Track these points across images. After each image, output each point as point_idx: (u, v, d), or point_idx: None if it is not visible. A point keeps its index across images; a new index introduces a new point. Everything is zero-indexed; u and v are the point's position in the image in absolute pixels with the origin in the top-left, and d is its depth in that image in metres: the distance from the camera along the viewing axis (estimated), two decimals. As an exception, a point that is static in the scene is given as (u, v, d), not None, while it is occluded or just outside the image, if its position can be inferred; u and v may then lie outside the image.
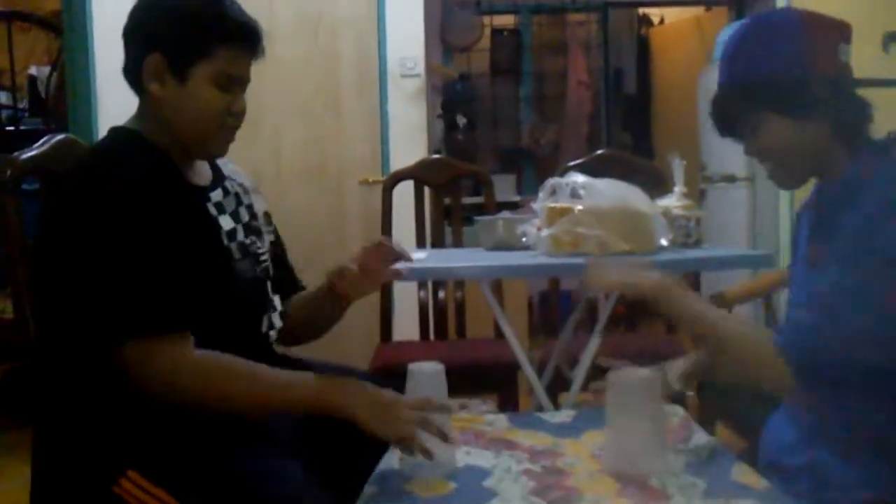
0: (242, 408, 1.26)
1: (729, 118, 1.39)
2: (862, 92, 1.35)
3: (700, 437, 1.49)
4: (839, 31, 1.32)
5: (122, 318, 1.21)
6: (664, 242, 1.90)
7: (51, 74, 4.23)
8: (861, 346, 1.21)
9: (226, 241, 1.40)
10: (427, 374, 1.33)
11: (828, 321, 1.25)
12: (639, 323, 3.89)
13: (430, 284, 2.89)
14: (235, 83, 1.37)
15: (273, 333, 1.48)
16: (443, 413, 1.28)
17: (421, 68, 3.90)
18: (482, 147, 5.85)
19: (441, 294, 2.87)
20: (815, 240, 1.40)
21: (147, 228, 1.24)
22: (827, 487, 1.24)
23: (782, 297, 1.99)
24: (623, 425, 1.34)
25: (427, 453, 1.22)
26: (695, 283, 2.97)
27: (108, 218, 1.23)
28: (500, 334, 2.20)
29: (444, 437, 1.24)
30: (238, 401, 1.25)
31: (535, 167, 5.82)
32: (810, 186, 1.43)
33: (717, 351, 1.41)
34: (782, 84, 1.30)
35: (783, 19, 1.36)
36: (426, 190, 2.94)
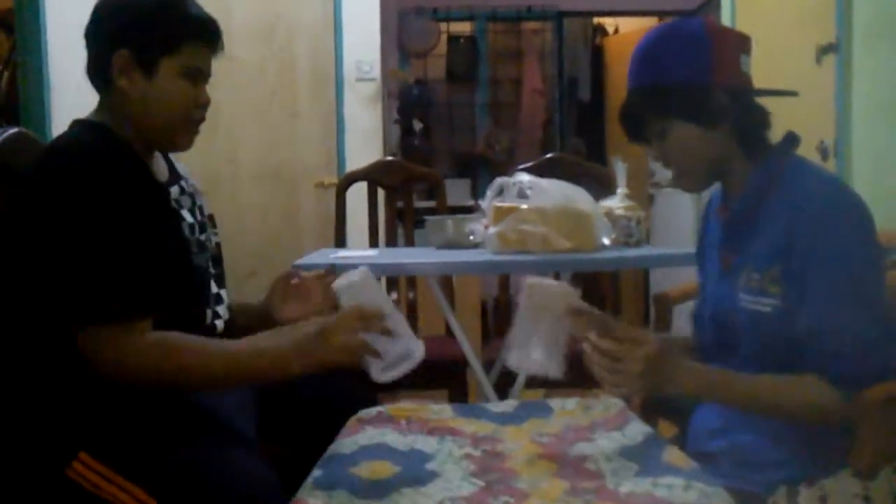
0: (198, 382, 1.31)
1: (636, 122, 1.42)
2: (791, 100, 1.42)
3: (635, 426, 1.56)
4: (741, 43, 1.38)
5: (83, 303, 1.25)
6: (606, 241, 1.97)
7: (1, 73, 4.19)
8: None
9: (187, 234, 1.46)
10: (354, 284, 1.35)
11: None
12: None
13: (382, 283, 2.93)
14: (200, 76, 1.44)
15: (219, 323, 1.52)
16: (378, 316, 1.31)
17: (377, 72, 3.95)
18: (438, 152, 5.91)
19: (394, 294, 2.92)
20: (727, 244, 1.44)
21: (114, 216, 1.28)
22: (747, 468, 1.31)
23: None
24: (531, 326, 1.38)
25: (376, 353, 1.31)
26: (644, 283, 3.07)
27: (75, 204, 1.26)
28: (451, 333, 2.25)
29: (387, 332, 1.31)
30: (193, 376, 1.30)
31: (489, 172, 5.88)
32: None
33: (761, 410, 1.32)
34: (687, 91, 1.34)
35: (689, 29, 1.38)
36: (380, 192, 2.98)
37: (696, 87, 1.34)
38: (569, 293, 1.37)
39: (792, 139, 1.40)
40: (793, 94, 1.45)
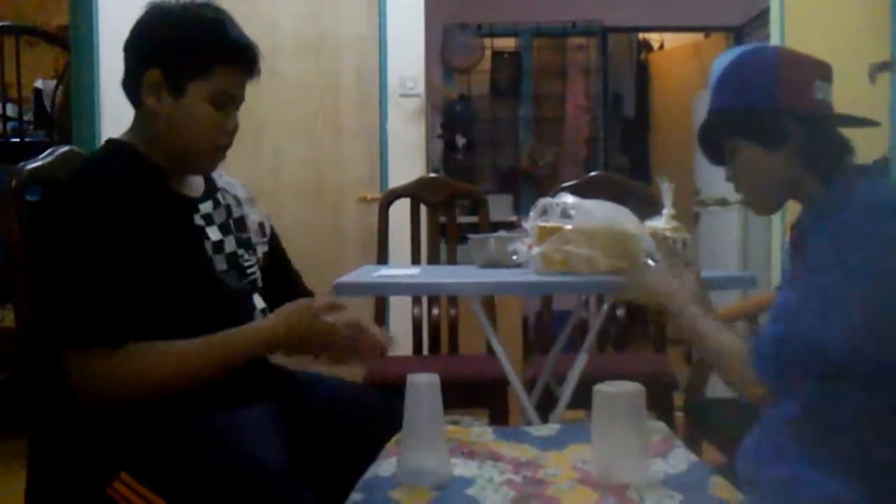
0: (180, 383, 1.30)
1: (711, 144, 1.49)
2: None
3: (680, 453, 1.53)
4: (816, 70, 1.39)
5: (59, 325, 1.26)
6: (651, 263, 1.93)
7: (56, 88, 4.29)
8: (819, 355, 1.23)
9: (210, 252, 1.44)
10: (423, 385, 1.37)
11: (791, 330, 1.27)
12: (628, 343, 3.92)
13: (424, 301, 2.93)
14: (230, 102, 1.42)
15: None
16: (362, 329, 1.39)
17: (421, 88, 3.96)
18: (480, 167, 5.91)
19: (435, 311, 2.92)
20: (792, 261, 1.45)
21: (116, 238, 1.28)
22: (805, 502, 1.27)
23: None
24: (608, 437, 1.38)
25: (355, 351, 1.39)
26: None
27: (77, 227, 1.27)
28: (492, 351, 2.23)
29: (376, 351, 1.38)
30: (175, 379, 1.30)
31: (532, 188, 5.87)
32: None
33: (708, 361, 1.43)
34: (753, 115, 1.38)
35: (763, 55, 1.44)
36: (422, 208, 2.99)
37: (763, 111, 1.37)
38: (636, 394, 1.36)
39: (881, 163, 1.40)
40: (874, 123, 1.45)
